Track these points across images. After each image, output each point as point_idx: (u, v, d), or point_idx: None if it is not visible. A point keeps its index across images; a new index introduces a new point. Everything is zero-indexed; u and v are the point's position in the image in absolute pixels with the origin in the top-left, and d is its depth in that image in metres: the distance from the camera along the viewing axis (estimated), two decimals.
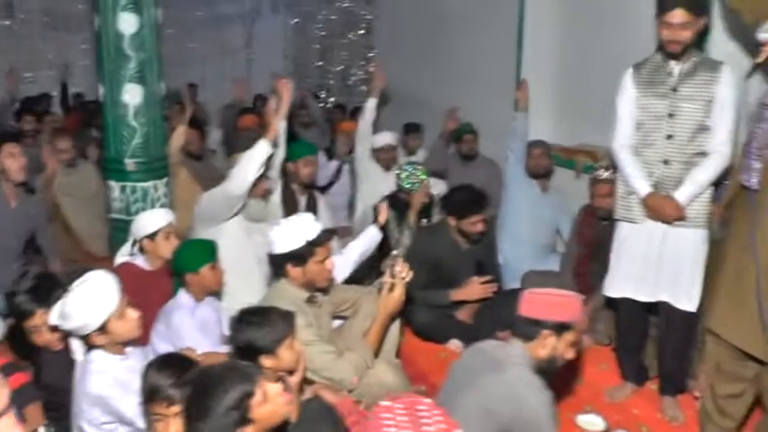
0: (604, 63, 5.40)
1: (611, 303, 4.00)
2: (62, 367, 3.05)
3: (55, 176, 5.83)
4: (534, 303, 2.77)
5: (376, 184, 5.93)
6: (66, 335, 2.84)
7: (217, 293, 3.90)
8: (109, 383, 2.68)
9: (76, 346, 2.80)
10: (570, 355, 2.82)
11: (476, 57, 7.02)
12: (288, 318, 2.80)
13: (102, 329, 2.71)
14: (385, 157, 6.06)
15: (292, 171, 5.01)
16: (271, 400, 2.16)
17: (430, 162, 5.96)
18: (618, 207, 3.73)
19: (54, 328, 2.82)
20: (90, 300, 2.68)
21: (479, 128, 6.35)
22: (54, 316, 2.73)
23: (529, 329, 2.76)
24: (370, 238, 4.19)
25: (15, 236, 4.75)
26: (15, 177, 4.63)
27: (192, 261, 3.64)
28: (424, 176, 5.04)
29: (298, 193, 5.08)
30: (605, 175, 4.47)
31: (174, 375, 2.42)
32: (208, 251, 3.71)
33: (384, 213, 4.32)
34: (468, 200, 4.46)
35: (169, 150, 5.57)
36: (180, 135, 5.83)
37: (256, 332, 2.72)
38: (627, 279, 3.71)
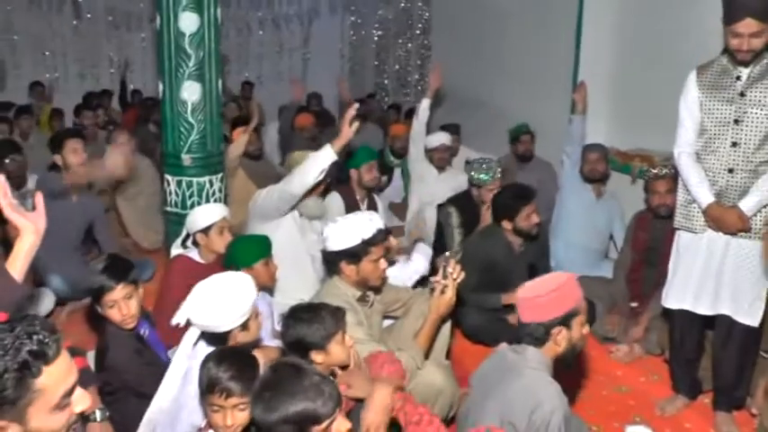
0: (664, 64, 5.29)
1: (665, 312, 3.90)
2: (129, 349, 3.11)
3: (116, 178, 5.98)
4: (533, 308, 2.63)
5: (430, 185, 5.91)
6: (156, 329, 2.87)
7: (269, 289, 3.93)
8: None
9: (189, 340, 2.83)
10: (586, 330, 2.70)
11: (533, 56, 6.95)
12: (337, 314, 2.82)
13: (245, 327, 2.80)
14: (439, 158, 6.02)
15: (355, 177, 5.12)
16: None
17: None
18: (678, 215, 3.61)
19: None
20: (239, 296, 2.75)
21: (535, 129, 6.28)
22: (190, 311, 2.75)
23: (537, 334, 2.64)
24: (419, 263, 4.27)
25: (75, 228, 4.92)
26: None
27: (246, 256, 3.67)
28: (498, 166, 5.05)
29: (359, 199, 5.17)
30: (664, 171, 4.38)
31: (233, 368, 2.44)
32: (262, 246, 3.74)
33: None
34: (513, 196, 4.43)
35: (228, 155, 5.65)
36: (242, 143, 5.89)
37: (306, 329, 2.74)
38: (685, 290, 3.59)
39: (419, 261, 4.34)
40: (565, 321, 2.63)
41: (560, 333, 2.63)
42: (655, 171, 4.49)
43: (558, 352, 2.66)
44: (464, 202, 5.14)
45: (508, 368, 2.64)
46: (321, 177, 4.13)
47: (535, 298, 2.64)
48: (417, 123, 5.97)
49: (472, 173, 5.08)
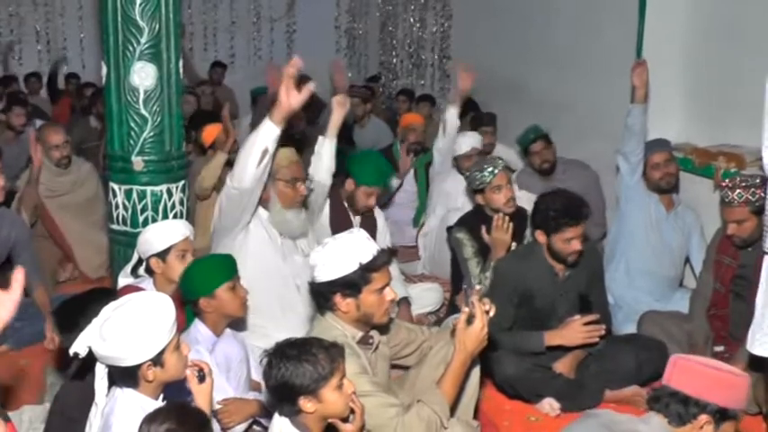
0: (754, 35, 5.32)
1: (760, 362, 3.90)
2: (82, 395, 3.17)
3: (40, 172, 6.01)
4: (694, 375, 2.73)
5: (457, 201, 5.94)
6: (88, 364, 2.93)
7: (240, 323, 3.97)
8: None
9: (101, 380, 2.89)
10: None
11: (583, 29, 6.99)
12: (333, 352, 2.87)
13: (158, 362, 2.81)
14: (469, 166, 6.05)
15: (349, 189, 5.09)
16: None
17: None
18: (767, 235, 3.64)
19: (75, 356, 2.87)
20: (150, 321, 2.78)
21: (588, 123, 6.30)
22: (90, 337, 2.79)
23: (682, 409, 2.72)
24: None
25: None
26: None
27: (205, 282, 3.72)
28: (498, 160, 5.06)
29: (351, 213, 5.17)
30: (735, 196, 4.39)
31: None
32: (224, 267, 3.79)
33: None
34: (560, 208, 4.37)
35: (200, 181, 5.68)
36: (217, 166, 5.84)
37: (293, 369, 2.79)
38: None
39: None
40: (721, 415, 2.72)
41: (707, 425, 2.71)
42: (723, 193, 4.49)
43: None
44: (476, 222, 5.13)
45: None
46: (267, 161, 4.08)
47: (703, 366, 2.75)
48: (446, 139, 6.06)
49: (479, 177, 5.03)
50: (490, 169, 4.96)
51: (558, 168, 6.24)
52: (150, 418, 2.60)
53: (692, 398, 2.72)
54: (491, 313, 3.26)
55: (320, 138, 4.94)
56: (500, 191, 4.97)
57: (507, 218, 4.91)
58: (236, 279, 3.81)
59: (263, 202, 4.43)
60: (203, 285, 3.72)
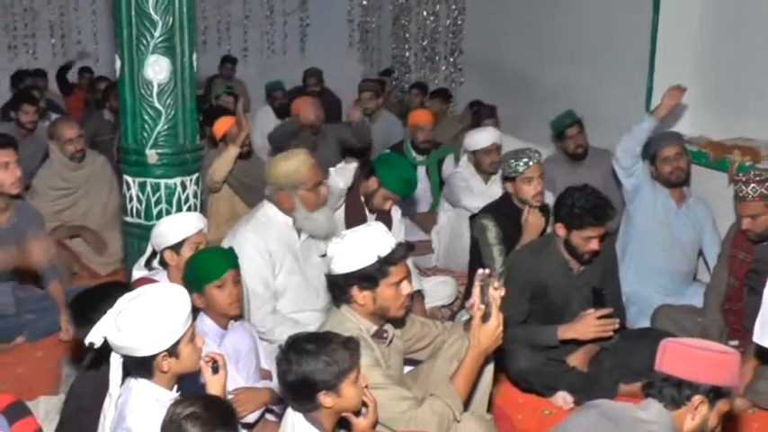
0: None
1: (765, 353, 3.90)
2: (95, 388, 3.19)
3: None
4: (684, 358, 2.73)
5: (474, 200, 5.91)
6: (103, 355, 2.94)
7: (238, 318, 3.96)
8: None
9: (116, 371, 2.89)
10: (716, 421, 2.79)
11: (597, 23, 6.97)
12: (351, 345, 2.88)
13: (173, 353, 2.83)
14: (491, 162, 6.02)
15: (371, 187, 5.03)
16: None
17: None
18: None
19: (91, 346, 2.88)
20: (165, 312, 2.80)
21: (602, 115, 6.27)
22: (105, 328, 2.81)
23: (675, 393, 2.73)
24: None
25: (1, 257, 4.93)
26: (9, 191, 4.91)
27: (195, 278, 3.71)
28: (536, 153, 5.04)
29: (366, 209, 5.13)
30: (749, 191, 4.37)
31: (207, 426, 2.53)
32: (215, 265, 3.75)
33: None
34: (585, 206, 4.33)
35: (211, 174, 5.70)
36: (229, 160, 5.87)
37: (313, 364, 2.79)
38: None
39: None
40: (715, 395, 2.73)
41: (701, 405, 2.72)
42: (737, 188, 4.47)
43: (686, 427, 2.74)
44: (502, 210, 5.12)
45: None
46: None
47: (688, 346, 2.76)
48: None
49: (504, 165, 5.06)
50: (525, 160, 4.94)
51: (589, 157, 6.28)
52: (178, 401, 2.63)
53: (685, 380, 2.73)
54: (502, 293, 3.24)
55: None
56: (530, 183, 4.95)
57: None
58: (229, 277, 3.74)
59: (286, 210, 4.44)
60: (193, 281, 3.71)
